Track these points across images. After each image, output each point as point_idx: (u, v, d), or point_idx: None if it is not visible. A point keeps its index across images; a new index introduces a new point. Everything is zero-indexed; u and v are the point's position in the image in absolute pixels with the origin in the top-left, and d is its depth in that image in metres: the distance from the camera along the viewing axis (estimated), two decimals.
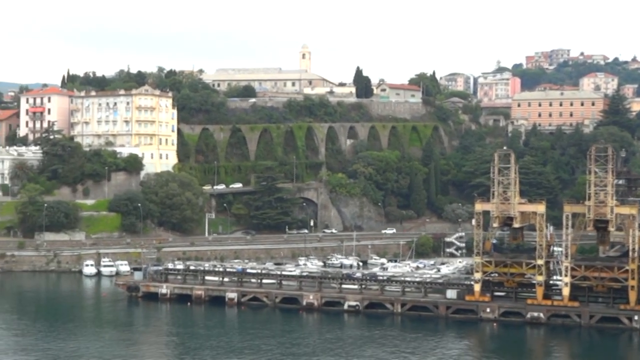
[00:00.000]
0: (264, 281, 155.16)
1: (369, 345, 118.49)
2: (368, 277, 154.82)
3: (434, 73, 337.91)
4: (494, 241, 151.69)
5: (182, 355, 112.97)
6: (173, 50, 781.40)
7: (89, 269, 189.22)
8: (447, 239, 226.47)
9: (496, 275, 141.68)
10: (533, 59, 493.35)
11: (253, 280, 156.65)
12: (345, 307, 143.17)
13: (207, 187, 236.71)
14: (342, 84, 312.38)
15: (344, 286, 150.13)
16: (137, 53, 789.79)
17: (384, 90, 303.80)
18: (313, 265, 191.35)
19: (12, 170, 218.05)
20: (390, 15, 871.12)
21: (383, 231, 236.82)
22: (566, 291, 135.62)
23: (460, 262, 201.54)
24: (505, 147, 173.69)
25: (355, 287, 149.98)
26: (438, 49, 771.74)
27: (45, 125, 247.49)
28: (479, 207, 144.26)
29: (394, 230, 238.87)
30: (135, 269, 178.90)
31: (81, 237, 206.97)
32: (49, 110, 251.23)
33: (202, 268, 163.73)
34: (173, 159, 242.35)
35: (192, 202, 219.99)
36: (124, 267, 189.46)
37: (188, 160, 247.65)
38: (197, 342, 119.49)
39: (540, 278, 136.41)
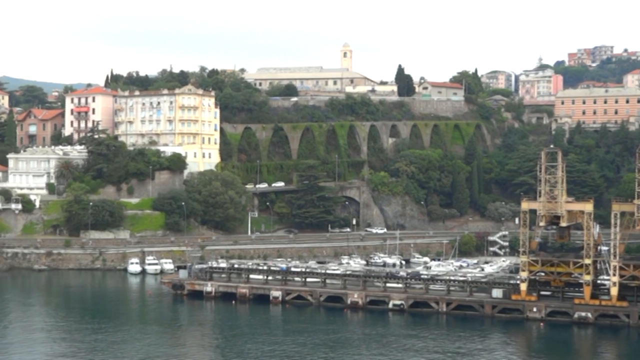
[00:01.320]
0: (308, 280, 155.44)
1: (413, 344, 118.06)
2: (412, 276, 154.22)
3: (476, 71, 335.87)
4: (538, 240, 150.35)
5: (227, 352, 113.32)
6: (215, 50, 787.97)
7: (133, 267, 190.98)
8: (490, 238, 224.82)
9: (542, 274, 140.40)
10: (575, 55, 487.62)
11: (297, 278, 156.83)
12: (390, 305, 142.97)
13: (249, 186, 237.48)
14: (383, 83, 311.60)
15: (388, 285, 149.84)
16: (179, 53, 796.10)
17: (425, 88, 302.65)
18: (356, 263, 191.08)
19: (57, 169, 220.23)
20: (432, 13, 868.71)
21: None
22: (614, 291, 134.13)
23: (504, 261, 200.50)
24: (552, 146, 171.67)
25: (400, 285, 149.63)
26: (479, 46, 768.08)
27: (89, 124, 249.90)
28: (525, 205, 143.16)
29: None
30: (179, 267, 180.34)
31: (126, 235, 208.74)
32: (93, 110, 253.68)
33: (246, 266, 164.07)
34: (216, 158, 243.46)
35: (235, 201, 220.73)
36: (168, 265, 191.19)
37: (230, 159, 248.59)
38: (242, 339, 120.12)
39: (588, 277, 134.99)
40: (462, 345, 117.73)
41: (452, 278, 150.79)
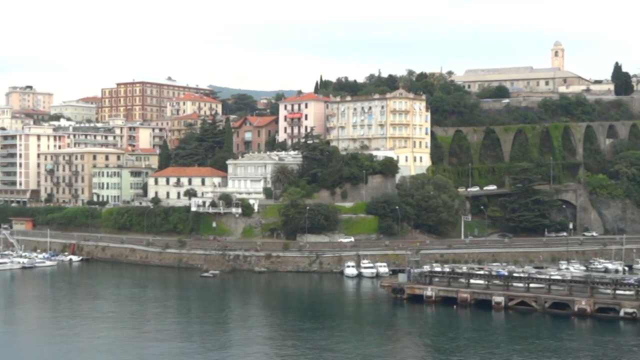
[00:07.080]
0: (531, 285, 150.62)
1: None
2: None
3: None
4: None
5: (451, 356, 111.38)
6: (420, 53, 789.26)
7: (350, 270, 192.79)
8: None
9: None
10: None
11: (519, 284, 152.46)
12: (621, 314, 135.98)
13: (460, 189, 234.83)
14: (598, 81, 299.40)
15: (617, 292, 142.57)
16: (384, 57, 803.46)
17: None
18: (575, 269, 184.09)
19: (274, 174, 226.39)
20: None
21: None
22: None
23: None
24: None
25: (631, 293, 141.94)
26: None
27: (302, 130, 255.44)
28: None
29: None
30: (394, 271, 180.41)
31: (340, 239, 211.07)
32: (305, 116, 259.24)
33: (466, 271, 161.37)
34: (427, 162, 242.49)
35: (448, 205, 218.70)
36: (383, 268, 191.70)
37: (441, 163, 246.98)
38: (464, 344, 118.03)
39: None
40: None
41: None
